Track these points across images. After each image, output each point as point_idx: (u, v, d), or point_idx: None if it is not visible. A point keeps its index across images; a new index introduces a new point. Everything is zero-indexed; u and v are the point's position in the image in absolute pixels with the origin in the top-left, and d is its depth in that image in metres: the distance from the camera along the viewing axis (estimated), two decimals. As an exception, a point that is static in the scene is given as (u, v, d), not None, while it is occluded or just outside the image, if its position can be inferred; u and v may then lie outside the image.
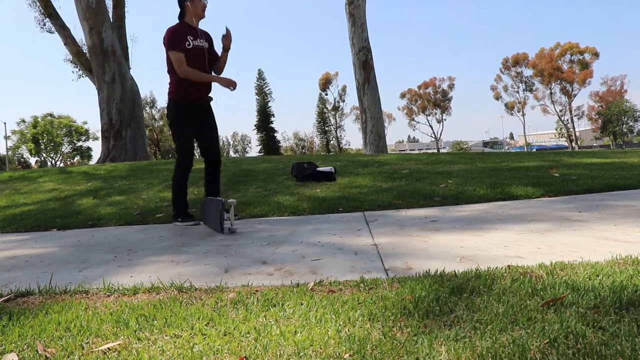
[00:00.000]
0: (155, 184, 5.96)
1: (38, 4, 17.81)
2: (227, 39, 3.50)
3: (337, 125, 63.38)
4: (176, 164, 3.55)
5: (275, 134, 61.40)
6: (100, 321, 1.41)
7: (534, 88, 53.61)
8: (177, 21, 3.51)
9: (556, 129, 59.96)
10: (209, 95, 3.58)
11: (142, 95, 15.69)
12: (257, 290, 1.65)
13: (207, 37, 3.58)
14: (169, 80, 3.49)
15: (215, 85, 3.55)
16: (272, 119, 60.95)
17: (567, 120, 52.95)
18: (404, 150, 73.81)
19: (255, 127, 61.55)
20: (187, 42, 3.38)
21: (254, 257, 2.27)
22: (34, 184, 7.30)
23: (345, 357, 1.10)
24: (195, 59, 3.41)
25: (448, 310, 1.34)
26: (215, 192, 3.67)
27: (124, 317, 1.43)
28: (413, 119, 62.81)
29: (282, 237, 2.79)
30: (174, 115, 3.46)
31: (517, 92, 55.22)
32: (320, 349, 1.14)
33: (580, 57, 50.13)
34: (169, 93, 3.50)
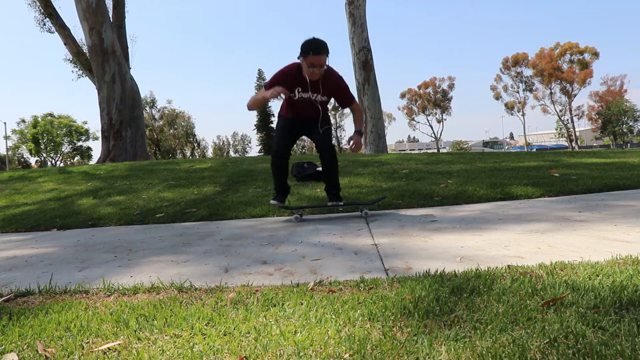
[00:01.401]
0: (155, 184, 5.96)
1: (38, 4, 17.81)
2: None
3: (337, 125, 63.40)
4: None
5: (275, 134, 61.32)
6: (100, 321, 1.41)
7: (534, 88, 53.61)
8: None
9: (556, 129, 59.99)
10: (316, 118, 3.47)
11: (142, 95, 15.69)
12: (257, 290, 1.65)
13: (330, 90, 3.35)
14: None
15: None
16: (272, 119, 60.93)
17: (567, 120, 52.95)
18: (404, 150, 73.83)
19: (255, 127, 61.61)
20: (293, 94, 3.31)
21: (254, 257, 2.27)
22: (33, 184, 7.30)
23: (345, 357, 1.10)
24: (303, 108, 3.41)
25: (448, 310, 1.34)
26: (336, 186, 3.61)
27: (124, 317, 1.43)
28: (413, 119, 62.82)
29: (282, 237, 2.79)
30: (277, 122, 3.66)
31: (517, 92, 55.23)
32: (320, 348, 1.14)
33: (580, 57, 50.11)
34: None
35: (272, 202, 3.62)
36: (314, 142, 3.58)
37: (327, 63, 3.19)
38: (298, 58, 3.20)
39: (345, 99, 3.43)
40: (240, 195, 4.70)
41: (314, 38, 3.16)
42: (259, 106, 3.48)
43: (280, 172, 3.64)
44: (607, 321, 1.19)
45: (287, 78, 3.25)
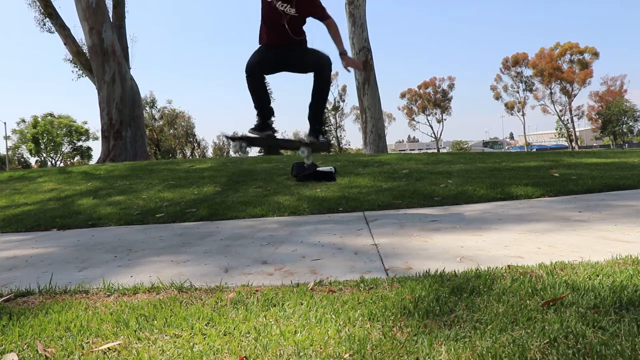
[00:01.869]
0: (155, 184, 5.96)
1: (38, 3, 17.81)
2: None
3: (337, 125, 63.36)
4: None
5: (276, 134, 61.32)
6: (100, 321, 1.41)
7: (534, 88, 53.62)
8: None
9: (556, 129, 59.98)
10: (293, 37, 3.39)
11: (142, 95, 15.70)
12: (257, 290, 1.65)
13: (305, 7, 3.33)
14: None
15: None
16: (272, 118, 60.83)
17: (567, 120, 52.96)
18: (404, 150, 73.81)
19: (255, 127, 61.48)
20: None
21: (254, 257, 2.27)
22: (33, 184, 7.30)
23: (345, 357, 1.10)
24: (271, 17, 3.35)
25: (448, 310, 1.34)
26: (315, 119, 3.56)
27: (124, 317, 1.43)
28: (413, 119, 62.81)
29: (282, 237, 2.79)
30: None
31: (517, 92, 55.23)
32: (320, 348, 1.14)
33: (580, 57, 50.12)
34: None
35: (248, 131, 3.47)
36: (304, 66, 3.49)
37: None
38: None
39: (317, 9, 3.39)
40: (240, 195, 4.70)
41: None
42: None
43: (256, 91, 3.50)
44: (607, 321, 1.19)
45: None
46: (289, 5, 3.31)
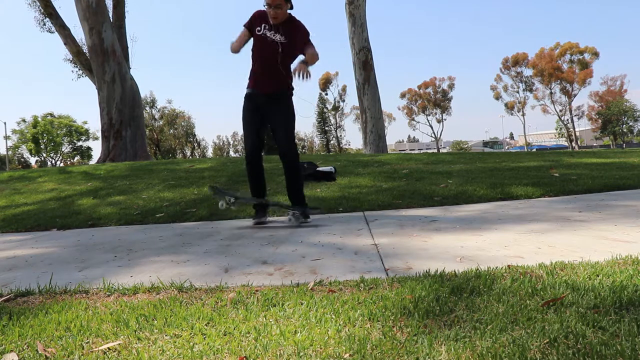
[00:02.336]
0: (155, 184, 5.96)
1: (38, 3, 17.81)
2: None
3: (337, 125, 63.34)
4: None
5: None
6: (100, 321, 1.41)
7: (534, 88, 53.63)
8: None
9: (556, 129, 59.97)
10: (280, 85, 3.43)
11: (142, 95, 15.69)
12: (257, 290, 1.65)
13: (292, 34, 3.39)
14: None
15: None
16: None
17: (567, 120, 52.95)
18: (404, 150, 73.81)
19: (255, 127, 61.48)
20: (259, 28, 3.39)
21: (254, 257, 2.27)
22: (33, 183, 7.30)
23: (345, 357, 1.10)
24: (264, 48, 3.38)
25: (448, 310, 1.34)
26: (292, 195, 3.49)
27: (124, 317, 1.43)
28: (413, 119, 62.82)
29: (282, 237, 2.79)
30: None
31: (517, 92, 55.24)
32: (320, 348, 1.14)
33: (580, 57, 50.13)
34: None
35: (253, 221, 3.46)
36: (275, 139, 3.43)
37: (285, 8, 3.31)
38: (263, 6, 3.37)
39: (301, 38, 3.41)
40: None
41: None
42: (241, 44, 3.46)
43: (251, 176, 3.48)
44: (607, 321, 1.19)
45: (258, 15, 3.43)
46: (278, 34, 3.37)
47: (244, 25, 3.45)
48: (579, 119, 54.28)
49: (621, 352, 1.02)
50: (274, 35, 3.38)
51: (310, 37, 3.45)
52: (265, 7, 3.30)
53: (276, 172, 6.28)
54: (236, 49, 3.47)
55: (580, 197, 3.80)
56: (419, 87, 61.59)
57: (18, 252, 2.82)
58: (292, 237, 2.74)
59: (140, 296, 1.68)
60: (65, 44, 15.56)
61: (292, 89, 3.53)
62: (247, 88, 3.52)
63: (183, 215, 3.98)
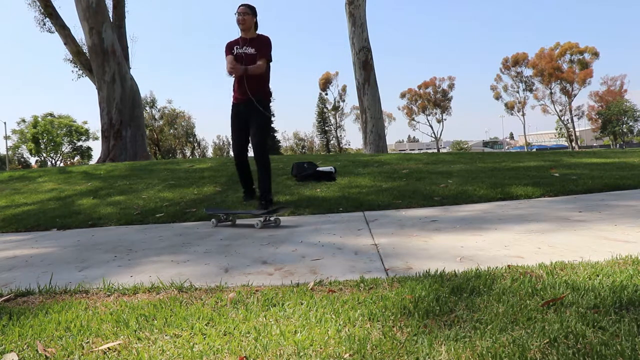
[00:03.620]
0: (155, 184, 5.96)
1: (38, 3, 17.82)
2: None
3: (337, 125, 63.33)
4: None
5: (275, 134, 61.40)
6: (100, 321, 1.41)
7: (534, 88, 53.62)
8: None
9: (556, 129, 59.97)
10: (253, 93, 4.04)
11: (142, 95, 15.68)
12: (257, 290, 1.65)
13: (257, 44, 4.09)
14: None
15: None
16: (272, 118, 60.91)
17: (567, 120, 52.94)
18: (404, 150, 73.81)
19: (255, 127, 61.43)
20: (234, 50, 4.11)
21: (254, 257, 2.27)
22: (33, 183, 7.30)
23: (345, 356, 1.10)
24: (239, 61, 4.05)
25: (448, 310, 1.34)
26: (261, 191, 4.04)
27: (124, 317, 1.43)
28: (413, 119, 62.81)
29: (282, 237, 2.79)
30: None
31: (517, 92, 55.23)
32: (320, 348, 1.14)
33: (580, 57, 50.12)
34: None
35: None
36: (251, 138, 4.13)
37: (251, 19, 4.06)
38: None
39: (262, 51, 4.05)
40: (240, 195, 4.70)
41: None
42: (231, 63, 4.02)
43: (239, 172, 4.29)
44: (607, 321, 1.19)
45: (231, 43, 4.16)
46: (249, 47, 4.08)
47: (226, 54, 4.12)
48: (579, 119, 54.32)
49: (621, 352, 1.02)
50: (246, 49, 4.08)
51: (270, 50, 4.11)
52: (235, 15, 4.06)
53: (276, 172, 6.29)
54: (232, 70, 3.98)
55: (580, 197, 3.80)
56: (419, 87, 61.60)
57: (18, 252, 2.82)
58: (292, 237, 2.74)
59: (140, 296, 1.68)
60: (65, 44, 15.56)
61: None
62: (232, 101, 4.25)
63: (183, 215, 3.98)
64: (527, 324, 1.21)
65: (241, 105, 4.10)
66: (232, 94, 4.16)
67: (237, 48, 4.09)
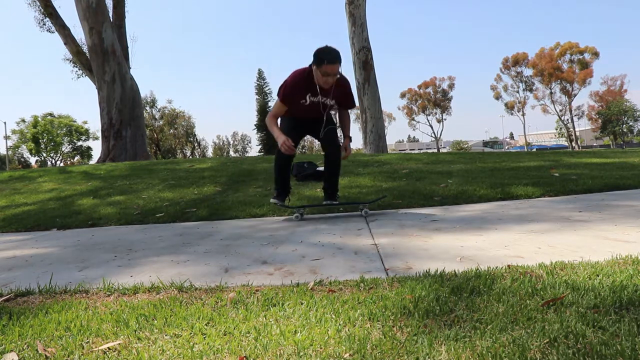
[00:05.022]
0: (155, 184, 5.96)
1: (38, 3, 17.82)
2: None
3: (337, 125, 63.27)
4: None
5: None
6: (100, 321, 1.41)
7: (534, 88, 53.60)
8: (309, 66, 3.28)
9: (556, 129, 59.98)
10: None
11: (142, 95, 15.68)
12: (257, 290, 1.65)
13: (338, 95, 3.41)
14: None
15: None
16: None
17: (567, 120, 52.93)
18: (404, 150, 73.80)
19: (255, 127, 61.57)
20: (304, 100, 3.32)
21: (254, 256, 2.27)
22: (33, 183, 7.30)
23: (345, 356, 1.10)
24: (310, 107, 3.40)
25: (448, 310, 1.33)
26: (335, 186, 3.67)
27: (124, 317, 1.43)
28: (413, 119, 62.81)
29: (282, 237, 2.79)
30: None
31: (517, 92, 55.21)
32: (320, 348, 1.14)
33: (580, 57, 50.10)
34: None
35: (272, 200, 3.64)
36: (320, 141, 3.58)
37: (340, 71, 3.20)
38: (310, 66, 3.23)
39: (348, 104, 3.55)
40: (240, 195, 4.70)
41: (327, 47, 3.16)
42: (278, 117, 3.53)
43: (283, 171, 3.64)
44: (607, 321, 1.19)
45: (298, 87, 3.29)
46: (328, 99, 3.38)
47: (280, 101, 3.35)
48: (579, 118, 54.32)
49: (621, 352, 1.02)
50: (323, 100, 3.36)
51: (353, 96, 3.53)
52: (321, 75, 3.15)
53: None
54: (274, 124, 3.43)
55: (581, 197, 3.80)
56: (419, 87, 61.58)
57: (18, 252, 2.82)
58: (292, 237, 2.74)
59: (140, 296, 1.68)
60: (65, 43, 15.56)
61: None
62: (286, 116, 3.57)
63: (183, 215, 3.98)
64: (527, 323, 1.21)
65: (306, 121, 3.56)
66: (291, 113, 3.48)
67: (310, 97, 3.29)
